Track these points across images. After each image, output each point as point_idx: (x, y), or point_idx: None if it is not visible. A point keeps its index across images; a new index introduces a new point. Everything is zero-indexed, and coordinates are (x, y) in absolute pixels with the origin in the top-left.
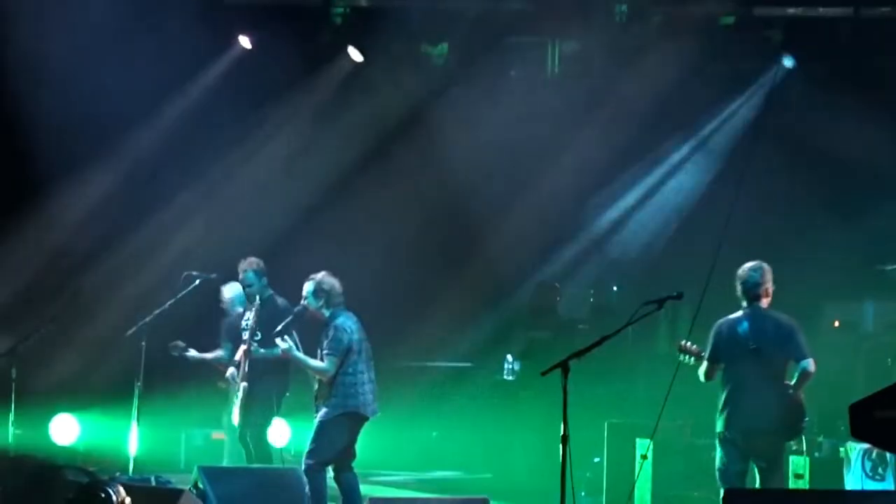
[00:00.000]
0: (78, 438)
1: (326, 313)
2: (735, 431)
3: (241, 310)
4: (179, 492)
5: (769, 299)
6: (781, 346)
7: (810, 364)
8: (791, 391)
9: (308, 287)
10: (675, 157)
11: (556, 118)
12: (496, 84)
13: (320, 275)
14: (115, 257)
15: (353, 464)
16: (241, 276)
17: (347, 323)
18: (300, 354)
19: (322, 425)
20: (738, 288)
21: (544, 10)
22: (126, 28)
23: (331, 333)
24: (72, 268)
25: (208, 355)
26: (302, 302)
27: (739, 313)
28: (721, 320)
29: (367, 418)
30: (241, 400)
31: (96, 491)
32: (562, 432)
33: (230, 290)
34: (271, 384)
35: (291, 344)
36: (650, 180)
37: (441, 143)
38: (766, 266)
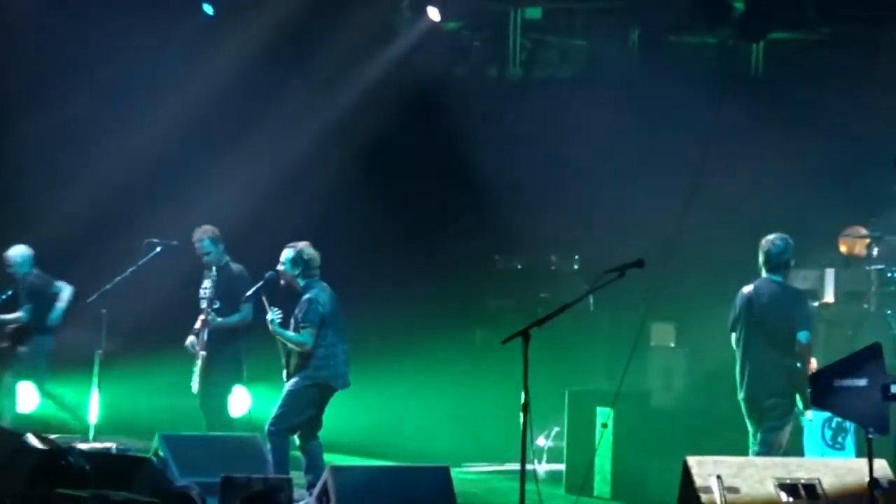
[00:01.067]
0: (38, 406)
1: (301, 283)
2: (742, 398)
3: (30, 271)
4: (140, 459)
5: (788, 271)
6: (784, 317)
7: (803, 336)
8: (793, 361)
9: (287, 254)
10: None
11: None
12: None
13: (302, 243)
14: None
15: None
16: (196, 245)
17: (321, 295)
18: (279, 329)
19: (290, 393)
20: (760, 257)
21: None
22: None
23: (305, 306)
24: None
25: (7, 316)
26: (278, 267)
27: (754, 283)
28: (741, 290)
29: (335, 390)
30: (200, 369)
31: (58, 458)
32: (522, 400)
33: (17, 252)
34: (230, 352)
35: (275, 316)
36: None
37: None
38: (790, 240)
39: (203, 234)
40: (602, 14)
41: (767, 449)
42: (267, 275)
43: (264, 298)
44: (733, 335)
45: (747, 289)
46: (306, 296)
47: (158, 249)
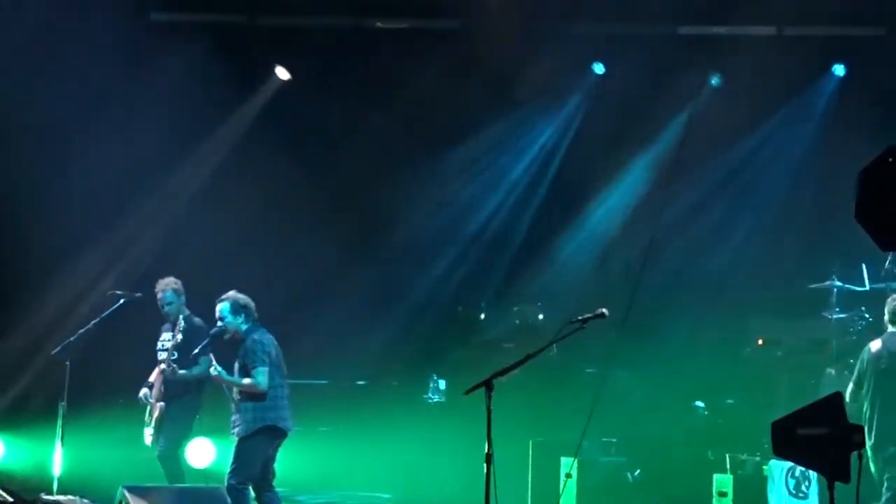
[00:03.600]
0: (2, 458)
1: (243, 328)
2: (869, 445)
3: None
4: None
5: None
6: None
7: None
8: None
9: (223, 307)
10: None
11: None
12: None
13: (231, 293)
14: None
15: (276, 483)
16: (159, 296)
17: (265, 337)
18: (230, 377)
19: (242, 442)
20: (886, 315)
21: None
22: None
23: (251, 348)
24: None
25: None
26: (219, 323)
27: (881, 338)
28: (868, 345)
29: (285, 433)
30: (156, 420)
31: None
32: (486, 450)
33: None
34: (186, 404)
35: (221, 370)
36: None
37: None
38: None
39: (166, 286)
40: None
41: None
42: (212, 331)
43: (211, 355)
44: (851, 386)
45: (875, 344)
46: (251, 338)
47: (121, 301)
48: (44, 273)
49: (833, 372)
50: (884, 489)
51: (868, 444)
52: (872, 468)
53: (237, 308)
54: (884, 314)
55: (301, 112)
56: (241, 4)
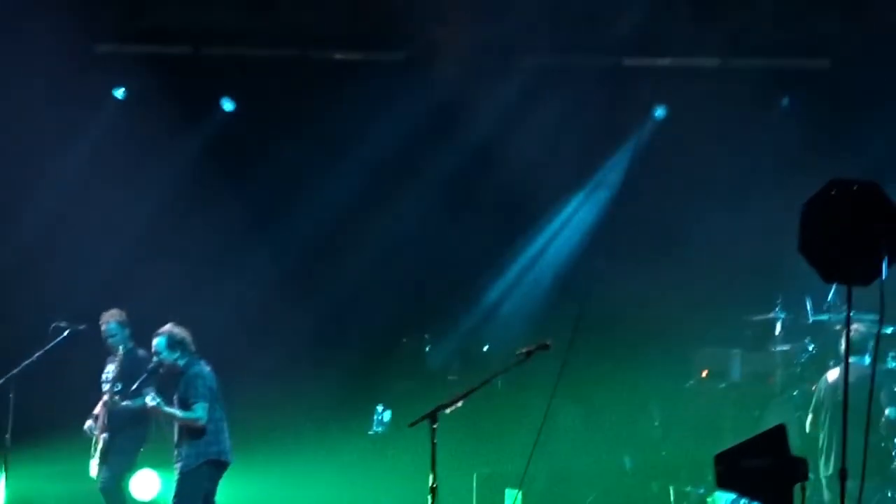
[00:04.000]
0: None
1: (181, 363)
2: (829, 475)
3: None
4: None
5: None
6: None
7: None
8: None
9: (159, 341)
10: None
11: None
12: None
13: (167, 327)
14: None
15: None
16: (103, 328)
17: (205, 370)
18: (169, 409)
19: (184, 476)
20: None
21: None
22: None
23: (192, 381)
24: None
25: None
26: (154, 358)
27: (839, 367)
28: (825, 375)
29: (227, 465)
30: (101, 451)
31: None
32: (431, 483)
33: None
34: (131, 436)
35: (160, 400)
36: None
37: None
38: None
39: (110, 318)
40: None
41: None
42: (149, 367)
43: (152, 388)
44: (810, 416)
45: (832, 374)
46: (191, 371)
47: (66, 333)
48: None
49: (776, 404)
50: None
51: (824, 474)
52: (826, 497)
53: (173, 343)
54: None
55: (244, 144)
56: (186, 36)
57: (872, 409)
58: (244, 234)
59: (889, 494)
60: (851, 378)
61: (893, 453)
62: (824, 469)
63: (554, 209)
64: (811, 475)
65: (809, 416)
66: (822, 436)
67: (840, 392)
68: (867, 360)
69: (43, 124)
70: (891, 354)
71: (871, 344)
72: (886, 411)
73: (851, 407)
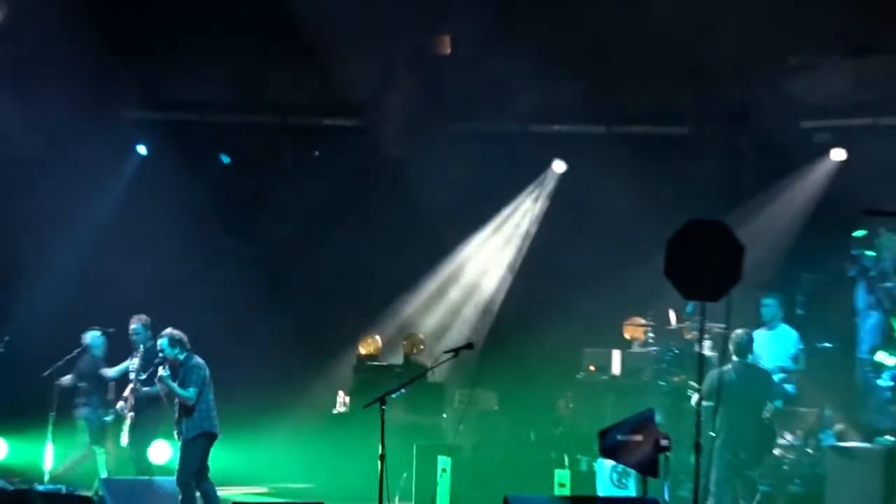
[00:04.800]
0: (6, 456)
1: (181, 357)
2: (717, 447)
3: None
4: (85, 498)
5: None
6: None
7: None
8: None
9: (163, 341)
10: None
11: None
12: None
13: (168, 330)
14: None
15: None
16: (131, 328)
17: (199, 362)
18: (171, 383)
19: (185, 446)
20: (731, 347)
21: None
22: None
23: (190, 371)
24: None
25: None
26: (160, 354)
27: (731, 364)
28: (717, 369)
29: (216, 436)
30: (129, 426)
31: (20, 498)
32: (380, 452)
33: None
34: (151, 414)
35: (167, 374)
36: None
37: None
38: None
39: (137, 321)
40: None
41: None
42: (156, 361)
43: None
44: (697, 398)
45: (725, 367)
46: (188, 364)
47: (99, 335)
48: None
49: (647, 392)
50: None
51: (717, 446)
52: (717, 466)
53: (174, 342)
54: (728, 346)
55: (237, 189)
56: (194, 106)
57: (759, 399)
58: (234, 251)
59: (769, 462)
60: (744, 373)
61: (777, 434)
62: (716, 440)
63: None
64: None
65: (696, 396)
66: (717, 418)
67: (733, 385)
68: (750, 359)
69: (80, 172)
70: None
71: (751, 346)
72: (774, 402)
73: (744, 396)
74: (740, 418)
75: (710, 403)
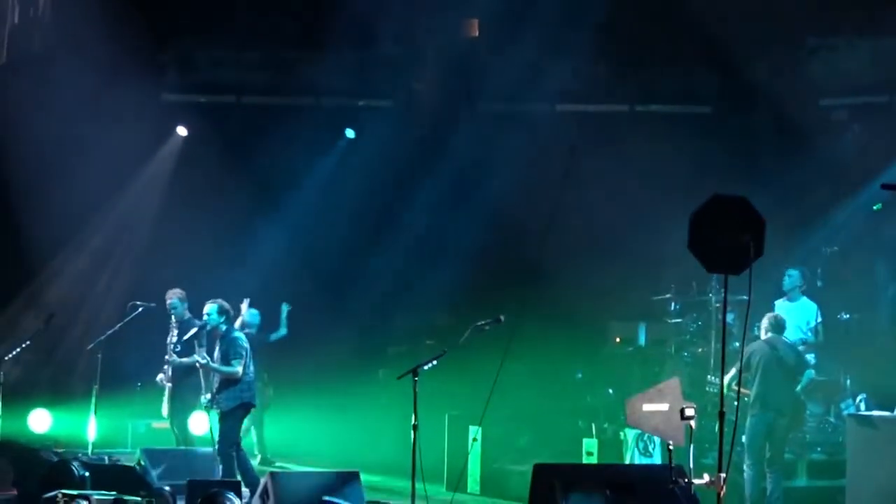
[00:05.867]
0: (50, 427)
1: (223, 328)
2: (756, 413)
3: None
4: (127, 468)
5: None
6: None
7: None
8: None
9: (212, 308)
10: None
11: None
12: None
13: (218, 300)
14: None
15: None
16: (168, 303)
17: (241, 335)
18: (214, 365)
19: (225, 416)
20: (767, 323)
21: None
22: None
23: (232, 343)
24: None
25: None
26: (205, 318)
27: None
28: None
29: (253, 407)
30: (168, 397)
31: (64, 467)
32: (413, 422)
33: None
34: (189, 385)
35: (208, 359)
36: None
37: None
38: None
39: (174, 295)
40: None
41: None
42: (199, 324)
43: (196, 342)
44: (733, 372)
45: (759, 344)
46: (231, 335)
47: (140, 310)
48: None
49: (671, 363)
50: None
51: (754, 412)
52: (753, 427)
53: (223, 310)
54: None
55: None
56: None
57: (793, 371)
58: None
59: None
60: (780, 348)
61: (807, 404)
62: (753, 407)
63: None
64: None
65: (732, 371)
66: (754, 386)
67: (767, 355)
68: (785, 335)
69: (125, 151)
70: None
71: (786, 324)
72: (807, 372)
73: (780, 368)
74: (779, 387)
75: (747, 375)
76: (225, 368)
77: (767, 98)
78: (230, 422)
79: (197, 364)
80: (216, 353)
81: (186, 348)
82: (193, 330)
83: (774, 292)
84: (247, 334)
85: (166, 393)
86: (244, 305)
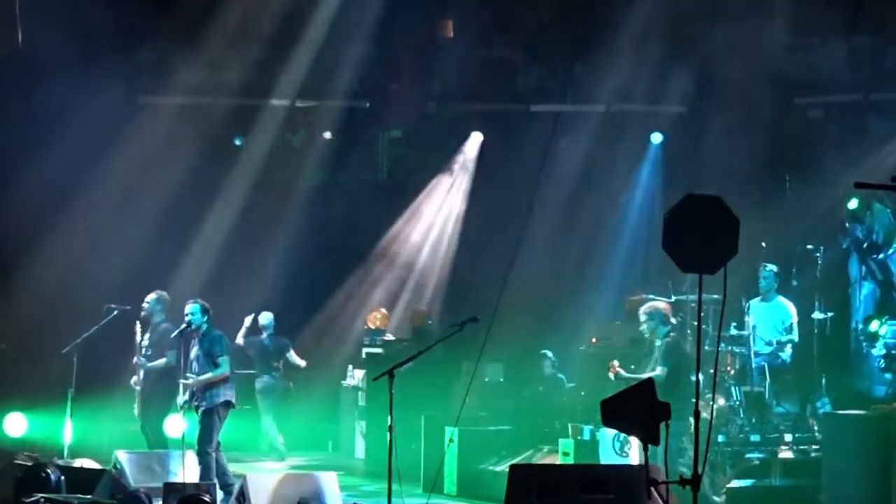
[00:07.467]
0: (26, 431)
1: (204, 327)
2: None
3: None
4: (102, 471)
5: None
6: None
7: None
8: None
9: (195, 307)
10: None
11: None
12: None
13: (199, 299)
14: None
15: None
16: (145, 304)
17: (223, 335)
18: (202, 377)
19: (206, 415)
20: None
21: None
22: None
23: (217, 341)
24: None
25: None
26: (186, 319)
27: None
28: None
29: (234, 406)
30: (140, 400)
31: (39, 471)
32: (389, 423)
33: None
34: (161, 388)
35: (193, 376)
36: None
37: None
38: None
39: (153, 294)
40: None
41: None
42: (182, 327)
43: (171, 352)
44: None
45: None
46: (214, 333)
47: (115, 313)
48: None
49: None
50: None
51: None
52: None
53: (205, 310)
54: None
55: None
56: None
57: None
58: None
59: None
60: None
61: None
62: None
63: None
64: None
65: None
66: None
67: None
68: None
69: (99, 151)
70: None
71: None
72: None
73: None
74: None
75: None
76: (215, 372)
77: (742, 97)
78: (211, 421)
79: (192, 384)
80: (195, 352)
81: (156, 352)
82: (179, 329)
83: (751, 292)
84: (263, 338)
85: (136, 395)
86: (248, 319)
